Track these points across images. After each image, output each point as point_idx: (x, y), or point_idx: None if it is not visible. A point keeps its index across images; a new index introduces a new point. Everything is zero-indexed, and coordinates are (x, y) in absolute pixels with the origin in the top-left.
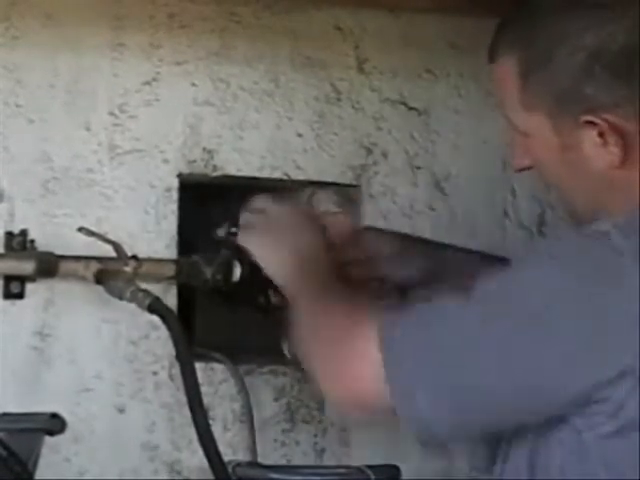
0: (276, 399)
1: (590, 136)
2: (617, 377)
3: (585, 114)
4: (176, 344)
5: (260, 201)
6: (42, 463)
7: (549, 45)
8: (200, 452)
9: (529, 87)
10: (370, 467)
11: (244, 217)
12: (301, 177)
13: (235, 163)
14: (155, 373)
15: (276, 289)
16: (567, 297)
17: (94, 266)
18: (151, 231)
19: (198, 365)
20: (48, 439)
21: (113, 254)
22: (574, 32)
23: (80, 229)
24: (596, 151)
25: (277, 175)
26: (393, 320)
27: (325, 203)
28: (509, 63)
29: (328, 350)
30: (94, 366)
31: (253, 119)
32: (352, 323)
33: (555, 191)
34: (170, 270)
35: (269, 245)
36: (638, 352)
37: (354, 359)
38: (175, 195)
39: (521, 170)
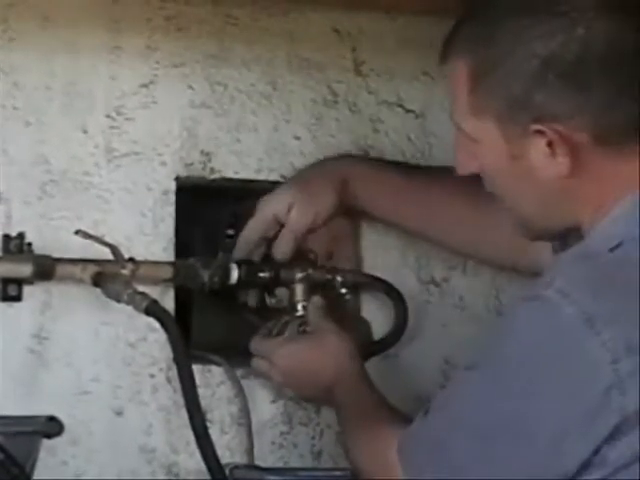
0: (273, 401)
1: (539, 145)
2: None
3: (534, 123)
4: (173, 347)
5: (261, 345)
6: (39, 466)
7: (502, 50)
8: (197, 455)
9: (479, 91)
10: None
11: (255, 363)
12: None
13: (232, 166)
14: (152, 376)
15: (272, 291)
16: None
17: (91, 269)
18: (148, 234)
19: (195, 367)
20: (45, 442)
21: (110, 257)
22: (528, 39)
23: (77, 232)
24: (544, 161)
25: (274, 178)
26: (409, 443)
27: None
28: (461, 65)
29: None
30: (91, 369)
31: (250, 121)
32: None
33: (501, 200)
34: (167, 273)
35: (300, 390)
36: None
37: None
38: (172, 198)
39: (465, 175)
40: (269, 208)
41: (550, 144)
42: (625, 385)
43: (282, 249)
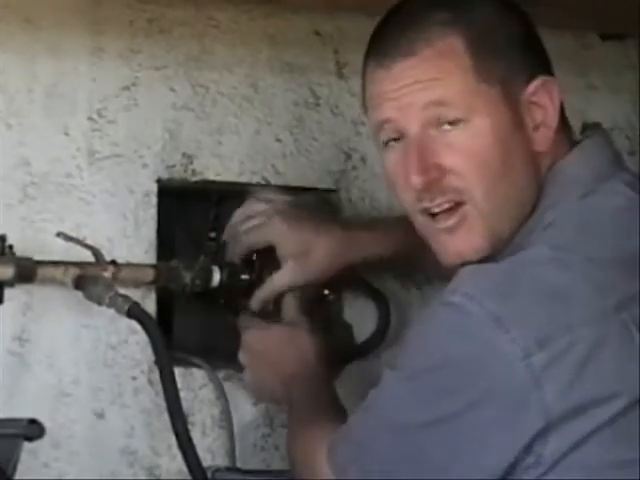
0: (255, 404)
1: (533, 114)
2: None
3: (530, 81)
4: (155, 349)
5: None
6: (21, 468)
7: (491, 17)
8: (179, 457)
9: (482, 56)
10: None
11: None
12: (280, 182)
13: (214, 168)
14: (134, 378)
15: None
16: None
17: (73, 271)
18: (130, 236)
19: (177, 370)
20: (27, 444)
21: (92, 259)
22: (505, 6)
23: (59, 234)
24: (533, 132)
25: (256, 180)
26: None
27: (304, 209)
28: (452, 41)
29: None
30: (73, 371)
31: (232, 124)
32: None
33: (479, 192)
34: (149, 275)
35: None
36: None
37: None
38: (154, 200)
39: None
40: (270, 233)
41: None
42: (541, 379)
43: (258, 302)
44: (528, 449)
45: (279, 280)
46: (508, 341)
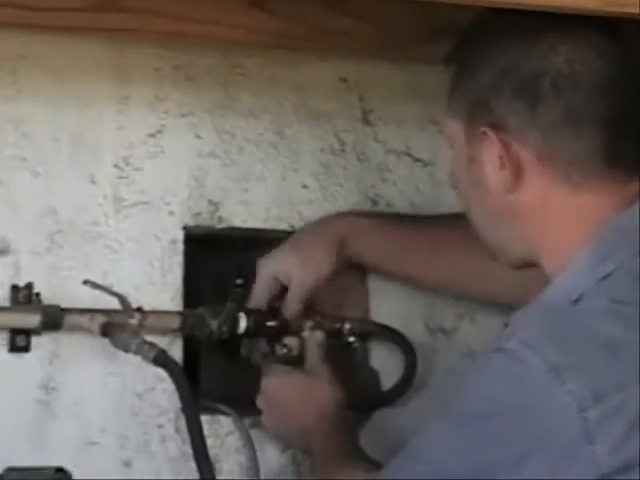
0: (282, 451)
1: (491, 154)
2: None
3: (487, 127)
4: (182, 397)
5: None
6: None
7: (474, 60)
8: None
9: (455, 93)
10: None
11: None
12: None
13: (240, 215)
14: (161, 426)
15: (282, 341)
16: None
17: (99, 319)
18: (156, 283)
19: (204, 418)
20: None
21: (118, 307)
22: (498, 51)
23: (85, 282)
24: (493, 171)
25: (282, 227)
26: None
27: None
28: (449, 72)
29: None
30: (99, 419)
31: (258, 171)
32: None
33: (469, 217)
34: (175, 322)
35: (281, 427)
36: None
37: None
38: (180, 247)
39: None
40: (268, 270)
41: (500, 156)
42: (593, 434)
43: (290, 312)
44: None
45: (294, 286)
46: (565, 392)
